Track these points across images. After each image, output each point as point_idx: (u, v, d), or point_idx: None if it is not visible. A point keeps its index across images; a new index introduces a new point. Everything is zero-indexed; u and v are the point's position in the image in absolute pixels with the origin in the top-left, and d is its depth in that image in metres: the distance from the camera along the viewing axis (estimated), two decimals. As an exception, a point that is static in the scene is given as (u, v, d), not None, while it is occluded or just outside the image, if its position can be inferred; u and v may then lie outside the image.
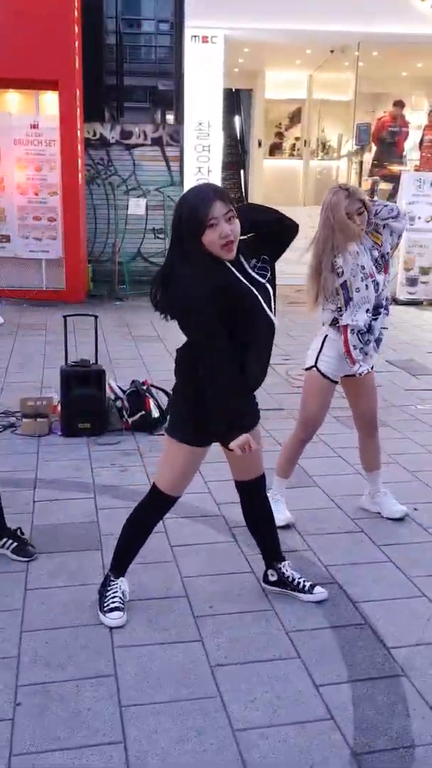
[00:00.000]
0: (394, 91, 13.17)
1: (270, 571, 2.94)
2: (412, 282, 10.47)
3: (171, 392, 2.83)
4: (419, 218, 10.36)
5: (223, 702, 2.31)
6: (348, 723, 2.23)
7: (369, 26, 10.16)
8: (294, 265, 11.79)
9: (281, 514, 3.42)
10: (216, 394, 2.45)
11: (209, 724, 2.22)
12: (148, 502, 2.79)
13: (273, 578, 2.94)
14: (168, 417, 2.91)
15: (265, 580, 2.96)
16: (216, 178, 10.74)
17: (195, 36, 10.24)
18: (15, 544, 3.17)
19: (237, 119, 17.29)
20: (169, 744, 2.14)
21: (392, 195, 11.02)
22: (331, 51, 12.23)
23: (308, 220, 14.36)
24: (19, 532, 3.23)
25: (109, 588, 2.77)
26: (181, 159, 10.90)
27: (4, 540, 3.17)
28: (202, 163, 10.71)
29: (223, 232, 2.31)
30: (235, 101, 16.83)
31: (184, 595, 2.90)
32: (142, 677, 2.42)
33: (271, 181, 15.30)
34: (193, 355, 2.52)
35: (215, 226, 2.31)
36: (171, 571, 3.09)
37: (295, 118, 16.13)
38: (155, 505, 2.79)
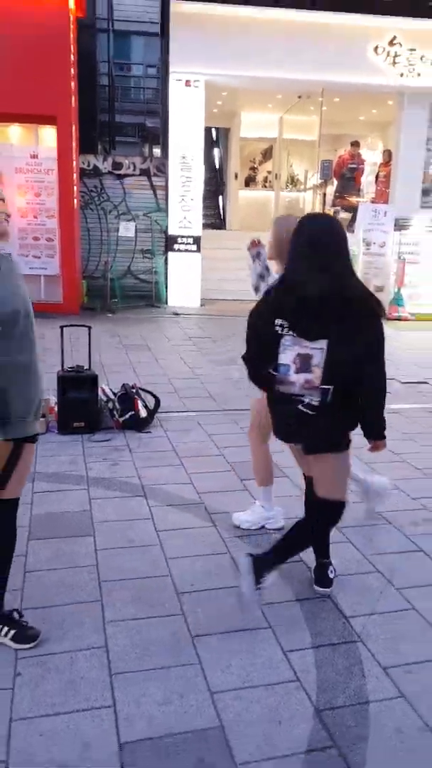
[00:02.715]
0: (353, 132, 13.33)
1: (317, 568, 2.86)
2: (368, 299, 10.56)
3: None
4: (374, 244, 10.49)
5: (203, 668, 2.32)
6: (312, 684, 2.25)
7: (331, 76, 10.26)
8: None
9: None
10: (384, 396, 2.43)
11: (190, 689, 2.23)
12: (332, 515, 2.61)
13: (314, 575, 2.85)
14: (323, 438, 2.48)
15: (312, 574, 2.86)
16: (197, 206, 10.77)
17: (179, 80, 10.26)
18: (13, 631, 2.42)
19: (216, 154, 17.36)
20: (154, 707, 2.14)
21: (351, 223, 11.14)
22: (299, 97, 12.34)
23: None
24: (15, 615, 2.46)
25: None
26: (166, 188, 10.91)
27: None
28: (185, 192, 10.73)
29: None
30: (215, 138, 16.92)
31: (168, 575, 2.91)
32: (131, 648, 2.42)
33: (246, 209, 15.38)
34: (358, 366, 2.34)
35: None
36: (157, 554, 3.09)
37: (267, 154, 16.24)
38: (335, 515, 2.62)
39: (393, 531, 3.40)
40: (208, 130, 14.57)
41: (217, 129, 16.47)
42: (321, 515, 2.64)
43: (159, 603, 2.69)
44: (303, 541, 2.67)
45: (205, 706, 2.15)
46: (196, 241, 10.85)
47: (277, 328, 2.38)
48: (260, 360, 2.50)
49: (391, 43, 10.23)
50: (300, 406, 2.38)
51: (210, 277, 11.10)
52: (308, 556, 3.06)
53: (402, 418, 5.18)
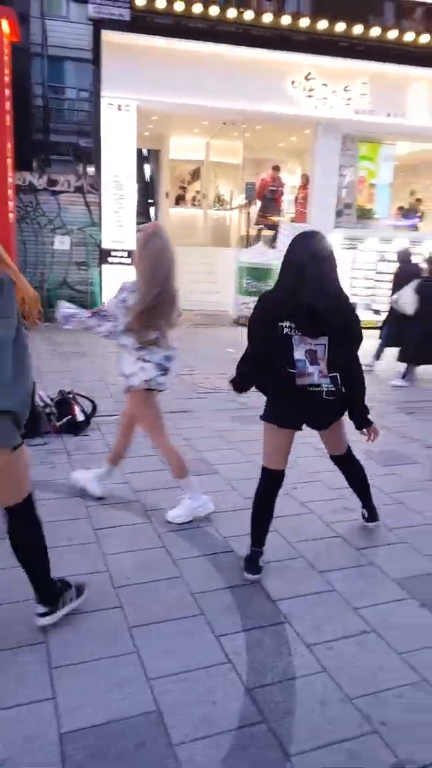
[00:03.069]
0: (274, 157, 13.57)
1: (364, 510, 3.34)
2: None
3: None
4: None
5: (140, 657, 2.28)
6: (243, 665, 2.26)
7: (253, 106, 10.42)
8: (198, 294, 11.94)
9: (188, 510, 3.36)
10: (365, 386, 2.84)
11: (128, 677, 2.18)
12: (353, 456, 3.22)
13: (364, 515, 3.33)
14: (337, 414, 2.89)
15: (363, 517, 3.35)
16: (131, 222, 10.68)
17: (111, 104, 10.16)
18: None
19: (148, 173, 17.30)
20: (94, 697, 2.09)
21: (274, 240, 11.34)
22: (224, 123, 12.46)
23: (206, 258, 14.54)
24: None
25: None
26: (99, 204, 10.76)
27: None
28: (119, 208, 10.62)
29: None
30: (148, 158, 16.86)
31: (106, 570, 2.85)
32: (70, 642, 2.35)
33: (177, 225, 15.38)
34: (349, 358, 2.75)
35: None
36: (94, 551, 3.02)
37: (195, 175, 16.31)
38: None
39: (315, 520, 3.47)
40: (140, 152, 14.50)
41: (149, 150, 16.41)
42: (346, 458, 3.19)
43: (96, 597, 2.63)
44: (364, 477, 3.28)
45: (144, 692, 2.12)
46: (130, 254, 10.77)
47: (286, 329, 2.62)
48: (261, 362, 2.72)
49: (306, 78, 10.51)
50: (324, 396, 2.67)
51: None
52: (240, 544, 3.08)
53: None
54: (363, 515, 3.36)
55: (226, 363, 7.52)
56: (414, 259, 7.64)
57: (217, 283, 12.16)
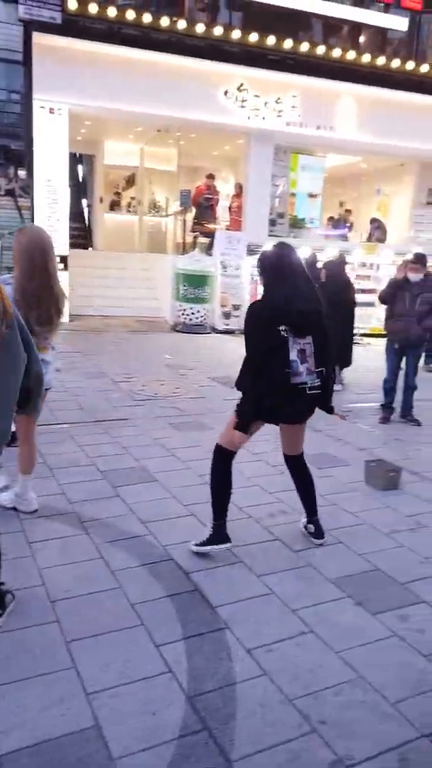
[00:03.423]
0: (209, 165, 13.68)
1: (309, 525, 3.33)
2: (226, 316, 10.91)
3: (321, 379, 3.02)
4: (230, 267, 10.85)
5: (78, 671, 2.23)
6: (183, 673, 2.25)
7: (187, 114, 10.47)
8: (135, 300, 11.87)
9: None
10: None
11: (67, 692, 2.13)
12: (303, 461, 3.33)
13: (311, 530, 3.31)
14: (314, 407, 3.11)
15: (307, 530, 3.35)
16: (64, 227, 10.47)
17: (42, 107, 9.95)
18: None
19: (82, 178, 17.04)
20: (31, 715, 2.02)
21: (210, 247, 11.42)
22: (158, 130, 12.48)
23: (143, 264, 14.48)
24: None
25: None
26: (31, 208, 10.49)
27: None
28: (52, 212, 10.39)
29: None
30: (82, 162, 16.62)
31: (42, 584, 2.77)
32: (5, 660, 2.27)
33: (112, 231, 15.24)
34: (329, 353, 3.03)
35: None
36: (29, 565, 2.93)
37: (130, 181, 16.21)
38: None
39: (253, 524, 3.50)
40: (74, 156, 14.28)
41: (82, 155, 16.17)
42: (301, 462, 3.29)
43: (33, 612, 2.55)
44: (311, 484, 3.32)
45: (83, 707, 2.07)
46: (63, 259, 10.54)
47: (283, 333, 2.86)
48: (262, 366, 2.88)
49: (239, 89, 10.67)
50: (309, 391, 2.93)
51: (79, 293, 10.85)
52: (180, 552, 3.06)
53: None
54: (308, 530, 3.32)
55: (164, 369, 7.49)
56: (320, 264, 7.83)
57: (154, 290, 12.12)
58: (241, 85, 10.64)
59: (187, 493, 3.84)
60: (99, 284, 11.64)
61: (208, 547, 3.07)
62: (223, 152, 13.70)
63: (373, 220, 13.12)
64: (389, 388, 5.92)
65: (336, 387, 7.03)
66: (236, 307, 10.85)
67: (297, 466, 3.29)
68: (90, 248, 15.27)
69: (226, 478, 3.09)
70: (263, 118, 10.91)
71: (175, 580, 2.85)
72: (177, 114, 10.46)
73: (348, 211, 13.94)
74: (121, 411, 5.65)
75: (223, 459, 3.09)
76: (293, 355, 2.88)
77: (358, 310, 7.61)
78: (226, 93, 10.62)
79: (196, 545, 3.09)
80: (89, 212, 16.43)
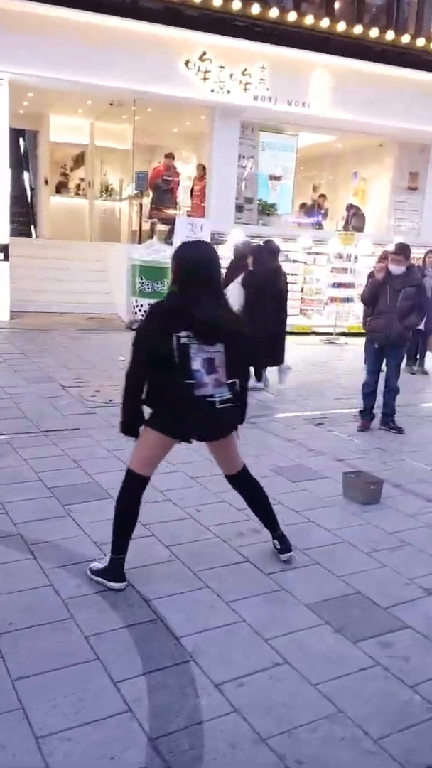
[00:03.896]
0: (167, 144, 13.73)
1: (275, 541, 3.37)
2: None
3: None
4: (193, 256, 10.86)
5: (26, 713, 2.22)
6: (144, 711, 2.25)
7: (142, 86, 10.47)
8: (86, 295, 11.83)
9: None
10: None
11: (13, 736, 2.11)
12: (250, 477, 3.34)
13: (276, 546, 3.36)
14: (233, 422, 3.10)
15: (276, 548, 3.38)
16: (3, 211, 10.35)
17: (-22, 75, 9.83)
18: None
19: (24, 156, 16.85)
20: (-29, 764, 2.00)
21: (169, 236, 11.44)
22: (111, 104, 12.45)
23: (94, 254, 14.39)
24: None
25: None
26: (-33, 191, 10.34)
27: None
28: (-11, 196, 10.26)
29: None
30: (25, 140, 16.44)
31: (-18, 616, 2.74)
32: None
33: (59, 217, 15.11)
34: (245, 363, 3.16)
35: None
36: (-32, 594, 2.90)
37: (79, 160, 16.11)
38: None
39: (220, 544, 3.53)
40: (15, 132, 14.10)
41: (24, 131, 16.00)
42: (244, 477, 3.29)
43: (-28, 649, 2.53)
44: (263, 498, 3.34)
45: (30, 753, 2.06)
46: (3, 249, 10.42)
47: (184, 340, 2.80)
48: (160, 376, 2.86)
49: (201, 59, 10.73)
50: (218, 405, 2.87)
51: (21, 287, 10.73)
52: (137, 577, 3.07)
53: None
54: (275, 546, 3.39)
55: (119, 372, 7.47)
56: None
57: (106, 283, 12.07)
58: (204, 54, 10.72)
59: (145, 510, 3.82)
60: (44, 277, 11.53)
61: (101, 579, 3.01)
62: (184, 129, 13.76)
63: (350, 207, 13.36)
64: (369, 392, 6.03)
65: (257, 384, 7.04)
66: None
67: (241, 482, 3.29)
68: (34, 236, 15.12)
69: (134, 507, 3.03)
70: (228, 92, 11.00)
71: (133, 609, 2.85)
72: (132, 86, 10.46)
73: (322, 197, 14.16)
74: (71, 419, 5.62)
75: (136, 485, 3.02)
76: (196, 365, 2.82)
77: (347, 306, 7.59)
78: (187, 63, 10.67)
79: (92, 571, 3.06)
80: (33, 195, 16.25)
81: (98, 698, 2.31)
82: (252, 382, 7.08)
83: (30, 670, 2.42)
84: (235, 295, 6.57)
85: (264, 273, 6.91)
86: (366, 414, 6.05)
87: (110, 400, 6.23)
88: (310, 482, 4.56)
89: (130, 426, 2.98)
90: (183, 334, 2.80)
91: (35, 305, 10.96)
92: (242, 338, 3.04)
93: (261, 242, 7.92)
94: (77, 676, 2.41)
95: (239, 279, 6.89)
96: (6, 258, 10.47)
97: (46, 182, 15.18)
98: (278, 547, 3.37)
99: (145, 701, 2.31)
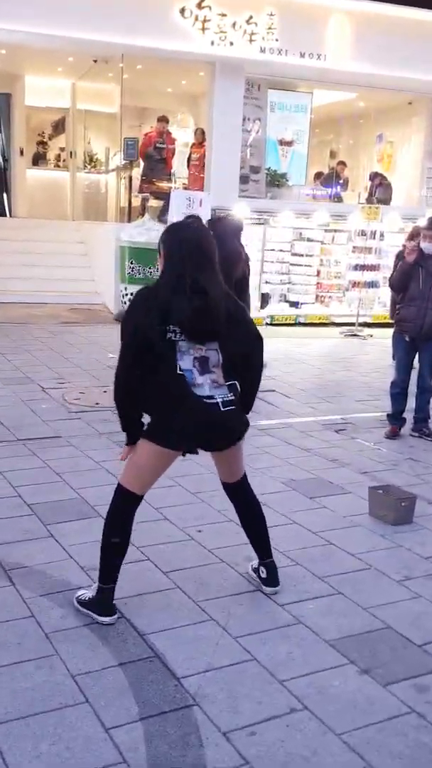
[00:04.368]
0: (161, 106, 13.75)
1: (261, 569, 3.36)
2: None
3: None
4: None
5: (6, 763, 2.24)
6: (141, 763, 2.27)
7: (131, 38, 10.51)
8: (67, 283, 11.90)
9: None
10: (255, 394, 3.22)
11: (-11, 793, 2.14)
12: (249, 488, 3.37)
13: (263, 574, 3.35)
14: (240, 429, 3.08)
15: (258, 575, 3.38)
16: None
17: None
18: None
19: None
20: None
21: (163, 212, 11.45)
22: (95, 60, 12.49)
23: (77, 236, 14.46)
24: None
25: None
26: None
27: None
28: None
29: None
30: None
31: None
32: None
33: (36, 192, 15.16)
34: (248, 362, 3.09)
35: None
36: None
37: (59, 127, 16.17)
38: None
39: (226, 569, 3.55)
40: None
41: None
42: (243, 487, 3.32)
43: None
44: (259, 515, 3.37)
45: None
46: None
47: (170, 334, 2.80)
48: (132, 377, 2.86)
49: (199, 6, 10.76)
50: (222, 409, 2.86)
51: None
52: (129, 608, 3.09)
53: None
54: (260, 575, 3.36)
55: (106, 372, 7.49)
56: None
57: (91, 269, 12.11)
58: (202, 1, 10.74)
59: (139, 531, 3.85)
60: (19, 262, 11.57)
61: (87, 611, 3.03)
62: (179, 89, 13.80)
63: (374, 175, 13.36)
64: (398, 393, 6.02)
65: None
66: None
67: (239, 492, 3.32)
68: (7, 215, 15.15)
69: (125, 527, 3.04)
70: (231, 44, 11.04)
71: (127, 644, 2.87)
72: (119, 39, 10.50)
73: (341, 164, 14.18)
74: (53, 426, 5.65)
75: (130, 505, 3.05)
76: (186, 364, 2.82)
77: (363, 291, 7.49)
78: (182, 11, 10.71)
79: (78, 601, 3.09)
80: (5, 168, 16.29)
81: (88, 748, 2.32)
82: None
83: (10, 715, 2.44)
84: None
85: (223, 250, 6.70)
86: (395, 418, 6.05)
87: (96, 404, 6.26)
88: (330, 498, 4.57)
89: (134, 438, 2.97)
90: (170, 328, 2.79)
91: (9, 295, 11.00)
92: (241, 329, 3.00)
93: (217, 216, 7.62)
94: (63, 720, 2.43)
95: None
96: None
97: (22, 153, 15.22)
98: (263, 576, 3.34)
99: (142, 751, 2.32)
